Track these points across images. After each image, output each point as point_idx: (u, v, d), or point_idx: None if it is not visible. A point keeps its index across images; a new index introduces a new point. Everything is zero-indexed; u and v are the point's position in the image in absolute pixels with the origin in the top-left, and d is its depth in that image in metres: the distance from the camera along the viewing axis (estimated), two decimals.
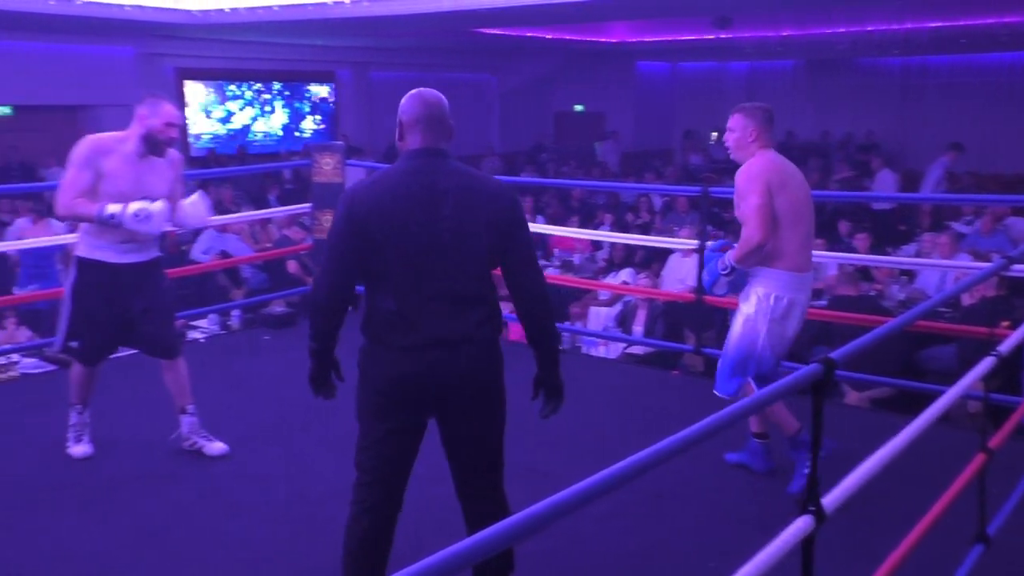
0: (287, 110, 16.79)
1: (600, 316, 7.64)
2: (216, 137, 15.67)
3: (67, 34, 11.75)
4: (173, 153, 3.76)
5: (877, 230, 8.96)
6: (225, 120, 15.85)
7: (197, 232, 9.05)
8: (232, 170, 9.92)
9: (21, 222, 8.97)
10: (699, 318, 5.55)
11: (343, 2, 9.76)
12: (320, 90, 17.21)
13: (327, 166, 6.10)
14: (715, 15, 12.36)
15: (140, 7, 10.10)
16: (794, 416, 3.58)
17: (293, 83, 16.80)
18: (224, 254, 8.71)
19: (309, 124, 17.10)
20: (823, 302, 6.39)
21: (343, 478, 2.63)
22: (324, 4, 9.88)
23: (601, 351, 6.90)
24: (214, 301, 7.98)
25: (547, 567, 3.03)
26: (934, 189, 11.28)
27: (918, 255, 8.27)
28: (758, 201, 3.42)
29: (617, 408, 4.65)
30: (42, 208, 9.33)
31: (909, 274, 7.51)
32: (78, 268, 3.68)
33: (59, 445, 3.88)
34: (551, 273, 8.63)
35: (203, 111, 15.44)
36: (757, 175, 3.47)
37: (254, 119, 16.35)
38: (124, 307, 3.66)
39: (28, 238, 7.59)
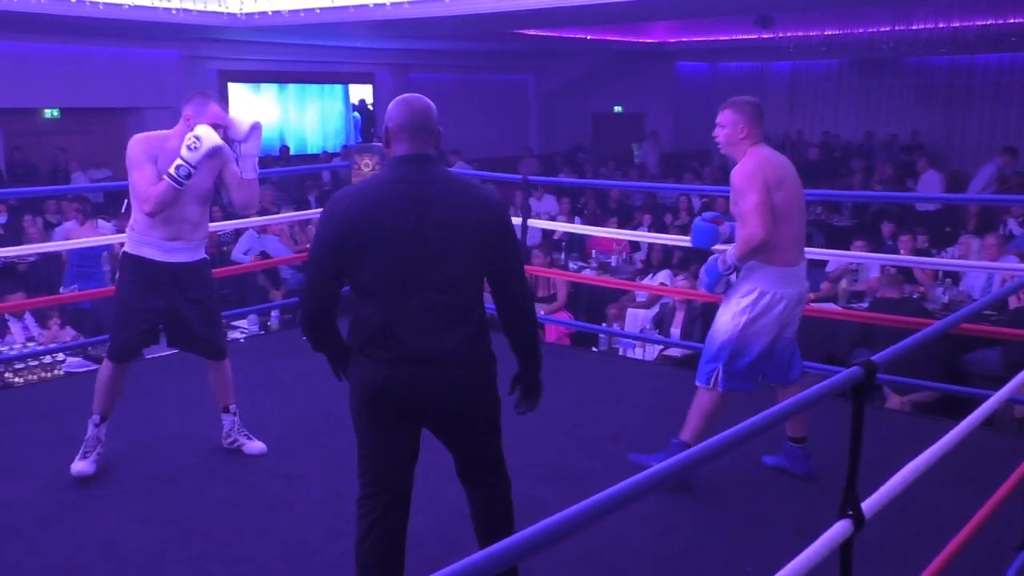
0: (327, 112, 16.88)
1: (637, 317, 7.61)
2: None
3: (113, 38, 11.95)
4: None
5: (922, 232, 8.81)
6: (266, 122, 16.00)
7: (238, 233, 9.16)
8: (272, 171, 10.03)
9: (68, 225, 9.13)
10: None
11: (384, 4, 9.82)
12: (360, 91, 17.32)
13: (366, 167, 6.15)
14: (756, 14, 12.26)
15: (186, 10, 10.27)
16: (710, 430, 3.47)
17: (333, 84, 16.92)
18: (264, 255, 8.82)
19: (348, 125, 17.20)
20: (865, 304, 6.31)
21: None
22: (365, 6, 9.94)
23: (638, 353, 6.87)
24: (253, 302, 8.08)
25: (583, 569, 3.03)
26: (983, 191, 11.08)
27: (959, 258, 8.12)
28: (758, 199, 3.39)
29: (653, 410, 4.62)
30: (87, 209, 9.49)
31: (954, 276, 7.38)
32: (123, 263, 3.74)
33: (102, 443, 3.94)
34: (588, 274, 8.62)
35: (245, 112, 15.60)
36: (754, 172, 3.43)
37: (295, 121, 16.47)
38: (164, 306, 3.67)
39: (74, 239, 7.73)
